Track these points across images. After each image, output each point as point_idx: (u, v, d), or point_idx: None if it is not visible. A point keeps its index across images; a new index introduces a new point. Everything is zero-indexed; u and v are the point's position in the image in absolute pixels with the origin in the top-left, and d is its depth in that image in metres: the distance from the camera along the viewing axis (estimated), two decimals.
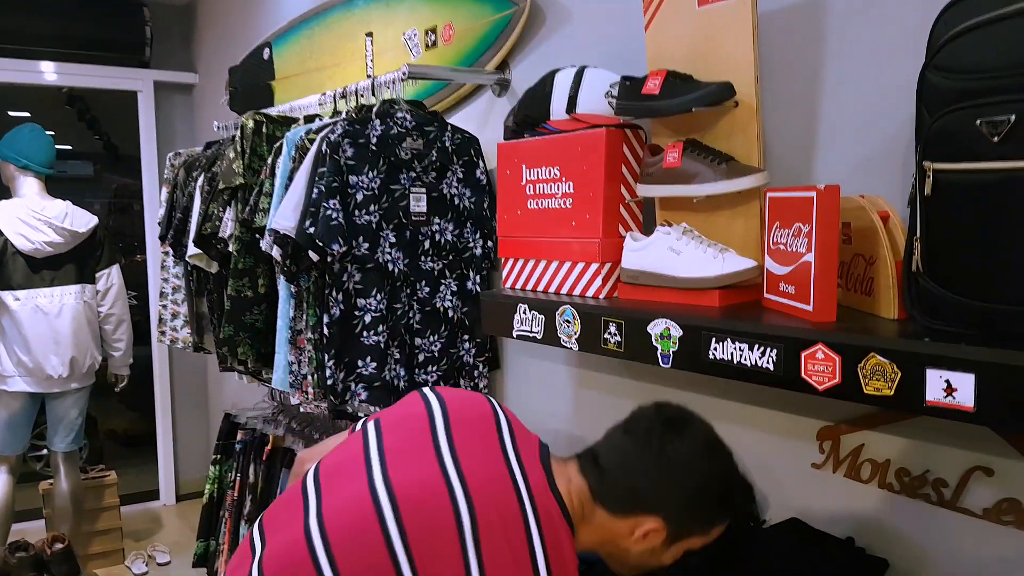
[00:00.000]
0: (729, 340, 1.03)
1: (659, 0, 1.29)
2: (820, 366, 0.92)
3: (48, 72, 3.85)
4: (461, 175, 1.85)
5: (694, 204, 1.24)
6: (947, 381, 0.80)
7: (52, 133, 3.22)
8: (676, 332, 1.12)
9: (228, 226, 2.17)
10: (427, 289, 1.83)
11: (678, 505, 1.06)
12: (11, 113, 5.60)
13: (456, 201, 1.85)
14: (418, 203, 1.79)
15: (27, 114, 5.66)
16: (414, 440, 1.06)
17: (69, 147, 5.97)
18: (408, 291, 1.80)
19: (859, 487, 1.19)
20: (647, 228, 1.35)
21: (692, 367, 1.08)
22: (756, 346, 0.99)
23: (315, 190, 1.68)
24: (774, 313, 1.07)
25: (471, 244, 1.87)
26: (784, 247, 1.05)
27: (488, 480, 1.00)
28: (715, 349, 1.05)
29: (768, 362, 0.98)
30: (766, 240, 1.11)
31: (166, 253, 3.01)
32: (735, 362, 1.02)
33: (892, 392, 0.85)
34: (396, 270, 1.78)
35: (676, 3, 1.26)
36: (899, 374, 0.85)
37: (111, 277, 3.22)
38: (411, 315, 1.81)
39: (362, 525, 0.94)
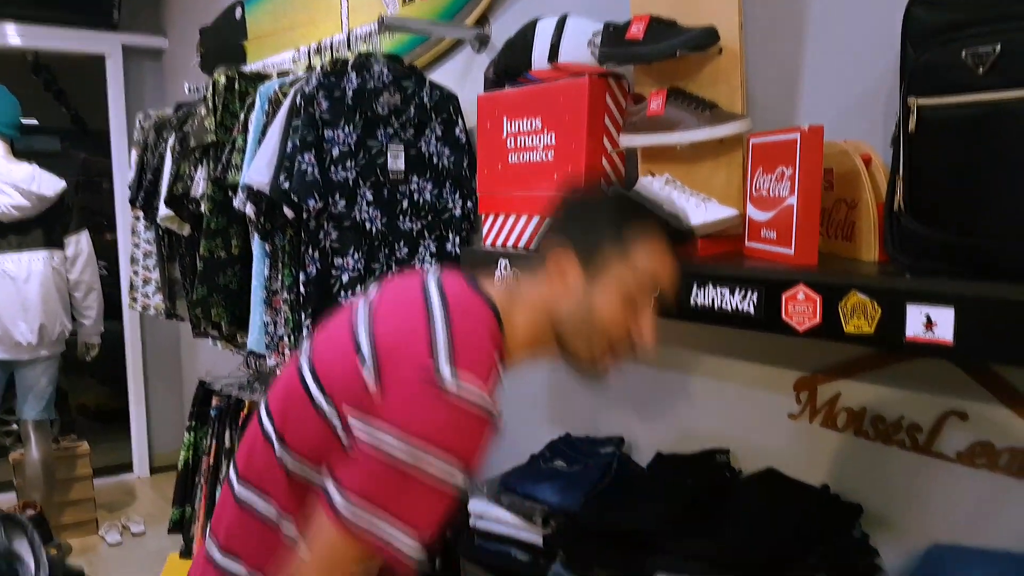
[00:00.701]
0: (711, 285, 1.02)
1: None
2: (801, 307, 0.92)
3: (12, 35, 3.71)
4: (440, 133, 1.82)
5: (677, 154, 1.23)
6: (927, 316, 0.80)
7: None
8: None
9: (200, 185, 2.12)
10: (405, 250, 1.80)
11: (573, 217, 0.97)
12: None
13: (435, 160, 1.82)
14: (396, 160, 1.76)
15: None
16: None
17: (35, 122, 5.78)
18: (387, 251, 1.78)
19: (835, 436, 1.20)
20: (630, 181, 1.34)
21: (674, 315, 1.08)
22: (737, 290, 0.99)
23: (289, 144, 1.64)
24: (755, 260, 1.07)
25: (450, 205, 1.85)
26: (767, 193, 1.05)
27: (400, 286, 0.99)
28: (696, 295, 1.05)
29: (749, 305, 0.98)
30: (748, 188, 1.10)
31: (137, 218, 2.94)
32: (716, 307, 1.02)
33: (872, 330, 0.86)
34: (374, 229, 1.75)
35: None
36: (879, 311, 0.85)
37: (80, 243, 3.15)
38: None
39: (341, 351, 0.92)
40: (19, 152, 3.08)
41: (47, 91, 5.33)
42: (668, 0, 1.23)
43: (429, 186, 1.82)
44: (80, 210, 3.20)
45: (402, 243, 1.80)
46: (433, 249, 1.85)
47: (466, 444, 0.83)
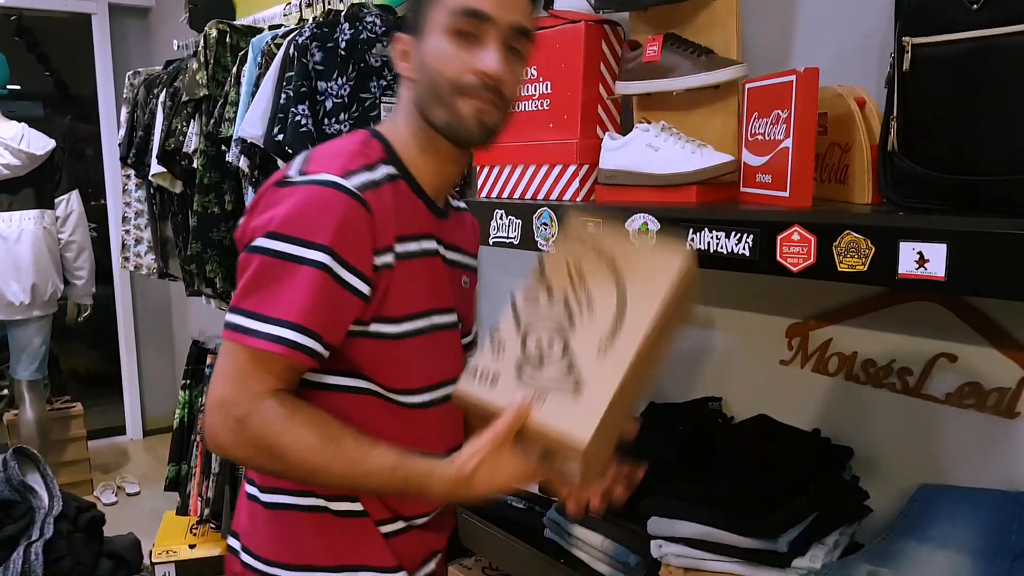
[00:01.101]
0: (706, 229, 1.03)
1: None
2: (795, 247, 0.93)
3: None
4: None
5: (673, 100, 1.22)
6: (919, 253, 0.81)
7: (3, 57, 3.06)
8: (654, 226, 1.11)
9: (192, 140, 2.10)
10: None
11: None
12: None
13: None
14: (389, 112, 1.75)
15: None
16: None
17: (18, 87, 5.68)
18: None
19: (826, 380, 1.22)
20: (624, 131, 1.34)
21: None
22: (733, 233, 0.99)
23: (283, 95, 1.63)
24: (751, 206, 1.08)
25: None
26: (762, 137, 1.05)
27: None
28: (692, 240, 1.05)
29: (744, 248, 0.98)
30: (744, 133, 1.10)
31: (127, 176, 2.91)
32: (712, 251, 1.03)
33: (866, 267, 0.86)
34: None
35: None
36: (873, 249, 0.86)
37: (71, 203, 3.12)
38: None
39: None
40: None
41: (30, 53, 5.23)
42: None
43: None
44: (70, 168, 3.17)
45: None
46: None
47: (315, 218, 0.83)
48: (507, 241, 1.38)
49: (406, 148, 0.94)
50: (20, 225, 2.96)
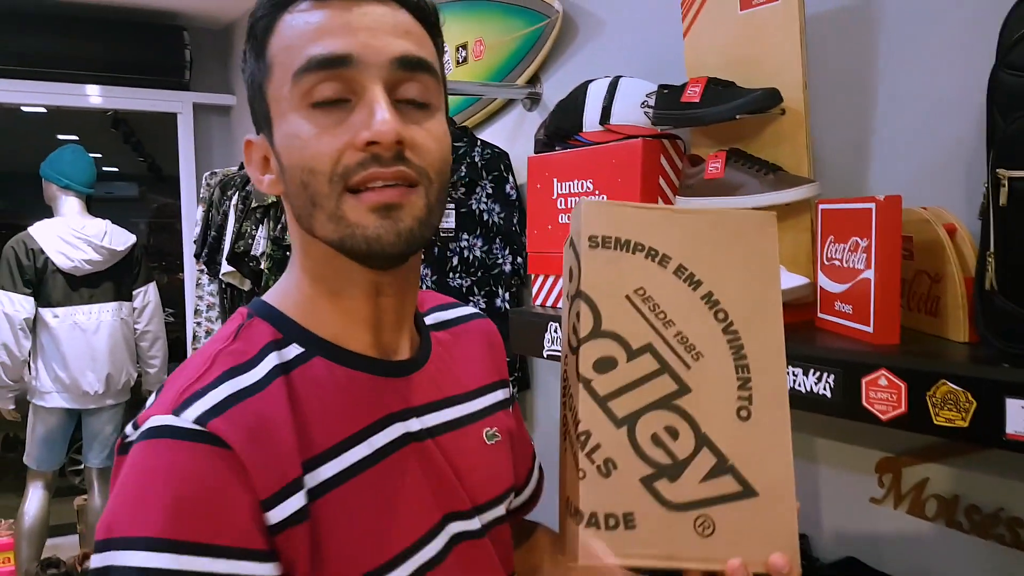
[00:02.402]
0: None
1: (699, 6, 1.23)
2: (883, 393, 0.84)
3: (93, 95, 3.92)
4: (490, 190, 1.80)
5: None
6: None
7: (99, 155, 3.28)
8: None
9: (260, 244, 2.15)
10: None
11: None
12: (60, 136, 5.76)
13: (485, 217, 1.80)
14: (447, 220, 1.75)
15: (75, 137, 5.82)
16: None
17: (115, 169, 6.16)
18: None
19: (923, 525, 1.09)
20: None
21: None
22: (812, 371, 0.91)
23: None
24: (830, 334, 0.99)
25: (500, 260, 1.82)
26: (839, 263, 0.97)
27: None
28: None
29: (825, 388, 0.90)
30: (819, 255, 1.03)
31: (201, 271, 3.01)
32: (789, 389, 0.94)
33: (967, 423, 0.77)
34: (423, 287, 1.73)
35: (717, 8, 1.20)
36: (974, 404, 0.76)
37: (148, 295, 3.25)
38: None
39: None
40: (100, 198, 3.23)
41: (126, 143, 5.65)
42: (726, 60, 1.18)
43: (479, 243, 1.80)
44: (148, 262, 3.32)
45: None
46: (483, 305, 1.81)
47: (148, 499, 0.52)
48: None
49: (308, 304, 0.64)
50: (99, 317, 3.09)
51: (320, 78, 0.58)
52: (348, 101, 0.59)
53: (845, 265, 0.96)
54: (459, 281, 1.78)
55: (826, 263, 1.01)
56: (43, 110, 4.26)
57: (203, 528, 0.52)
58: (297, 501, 0.56)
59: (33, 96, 3.76)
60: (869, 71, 1.14)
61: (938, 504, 1.07)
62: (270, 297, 0.67)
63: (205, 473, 0.53)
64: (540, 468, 0.91)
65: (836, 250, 0.98)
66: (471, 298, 1.80)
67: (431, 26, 0.64)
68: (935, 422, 0.79)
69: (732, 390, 0.62)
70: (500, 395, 0.79)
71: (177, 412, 0.55)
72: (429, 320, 0.77)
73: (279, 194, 0.64)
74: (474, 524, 0.68)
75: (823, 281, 1.02)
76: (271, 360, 0.60)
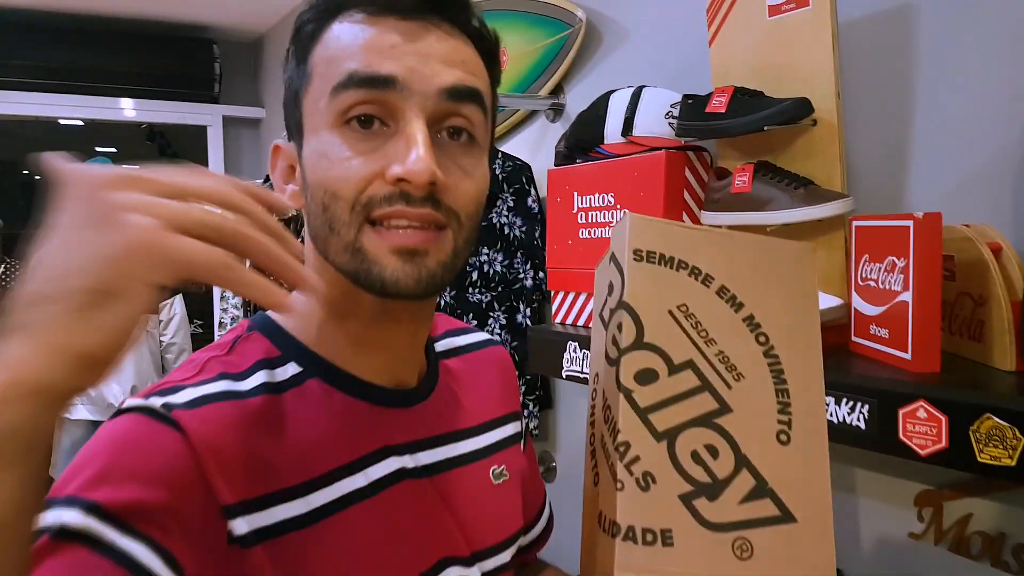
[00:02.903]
0: None
1: (725, 13, 1.18)
2: (922, 426, 0.77)
3: (127, 108, 3.99)
4: (512, 203, 1.76)
5: (768, 234, 1.10)
6: None
7: (136, 167, 3.31)
8: None
9: None
10: (475, 322, 1.73)
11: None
12: (99, 148, 5.89)
13: (506, 230, 1.76)
14: None
15: (113, 150, 5.94)
16: None
17: None
18: None
19: (967, 564, 1.01)
20: None
21: None
22: (844, 400, 0.85)
23: None
24: (864, 360, 0.93)
25: (521, 275, 1.77)
26: (875, 284, 0.91)
27: None
28: None
29: (859, 420, 0.84)
30: (853, 275, 0.97)
31: None
32: None
33: (1014, 462, 0.70)
34: (442, 302, 1.70)
35: (744, 15, 1.15)
36: (1022, 440, 0.70)
37: (174, 307, 3.27)
38: None
39: None
40: None
41: (162, 156, 5.74)
42: (754, 69, 1.13)
43: (500, 257, 1.76)
44: None
45: (471, 316, 1.74)
46: (503, 320, 1.77)
47: (84, 463, 0.49)
48: (581, 377, 1.28)
49: (313, 323, 0.61)
50: None
51: (359, 97, 0.54)
52: (387, 126, 0.55)
53: (881, 286, 0.90)
54: (479, 296, 1.74)
55: (860, 284, 0.95)
56: (80, 123, 4.34)
57: (118, 494, 0.47)
58: (265, 520, 0.52)
59: (68, 109, 3.84)
60: (906, 78, 1.08)
61: (983, 542, 0.99)
62: (276, 312, 0.62)
63: (148, 447, 0.50)
64: (550, 507, 0.87)
65: (871, 270, 0.92)
66: (491, 313, 1.76)
67: (490, 56, 0.61)
68: (979, 459, 0.73)
69: (772, 413, 0.60)
70: (511, 429, 0.75)
71: (147, 397, 0.54)
72: (441, 346, 0.73)
73: (300, 207, 0.61)
74: (473, 573, 0.63)
75: (857, 303, 0.96)
76: (259, 377, 0.58)
